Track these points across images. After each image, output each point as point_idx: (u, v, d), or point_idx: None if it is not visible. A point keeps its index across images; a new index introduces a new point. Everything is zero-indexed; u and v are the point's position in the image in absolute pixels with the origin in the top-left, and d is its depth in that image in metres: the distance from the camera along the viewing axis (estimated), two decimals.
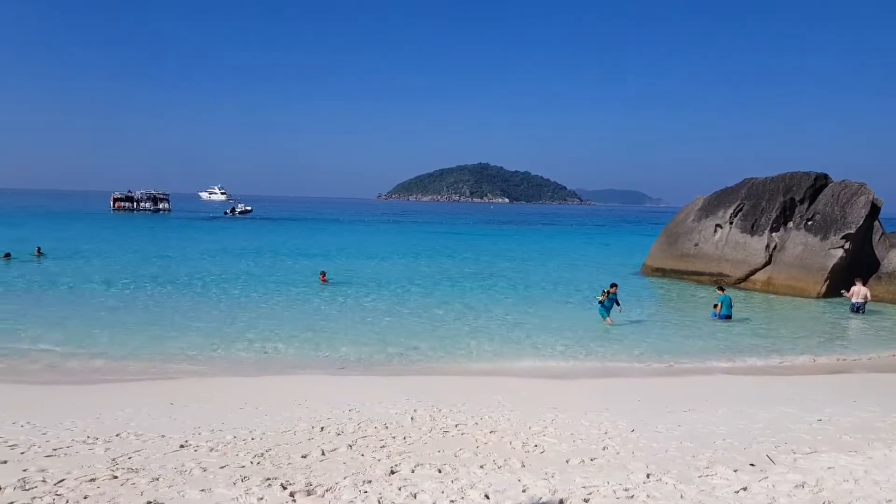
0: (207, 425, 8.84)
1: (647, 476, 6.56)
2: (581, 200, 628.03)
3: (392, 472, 6.69)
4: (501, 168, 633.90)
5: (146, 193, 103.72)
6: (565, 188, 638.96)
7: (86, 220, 76.72)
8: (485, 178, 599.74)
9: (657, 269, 31.87)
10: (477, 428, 8.87)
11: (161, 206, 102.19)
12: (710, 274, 29.18)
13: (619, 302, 19.71)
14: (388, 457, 7.42)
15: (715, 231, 30.22)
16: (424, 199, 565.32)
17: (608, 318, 19.31)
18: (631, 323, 19.47)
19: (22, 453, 7.31)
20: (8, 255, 31.45)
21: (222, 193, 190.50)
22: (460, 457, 7.42)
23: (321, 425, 8.92)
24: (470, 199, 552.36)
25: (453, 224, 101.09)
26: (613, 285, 19.84)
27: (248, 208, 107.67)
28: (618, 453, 7.58)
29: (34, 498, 5.76)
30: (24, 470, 6.65)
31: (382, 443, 8.05)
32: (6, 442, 7.84)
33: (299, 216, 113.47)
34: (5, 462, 6.99)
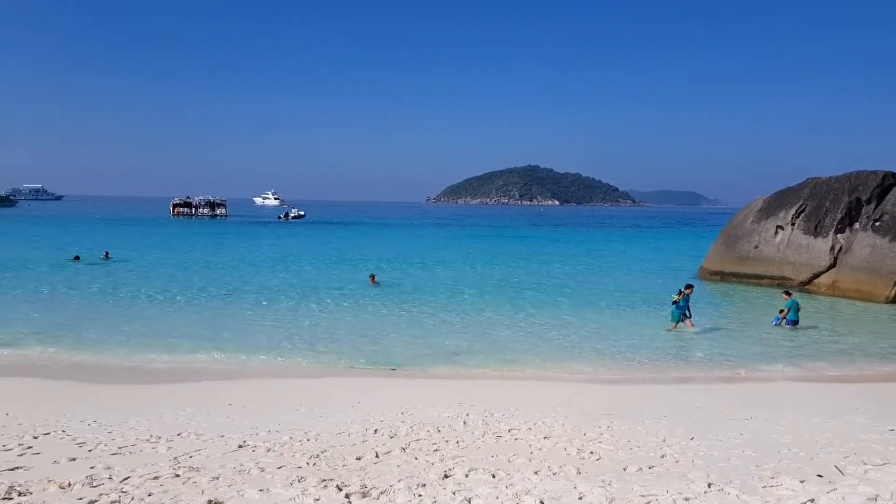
0: (264, 426, 9.01)
1: (709, 485, 6.37)
2: (634, 202, 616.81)
3: (446, 477, 6.67)
4: (551, 170, 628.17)
5: (204, 199, 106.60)
6: (617, 189, 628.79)
7: (147, 225, 79.35)
8: (534, 181, 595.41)
9: (715, 273, 31.05)
10: (531, 433, 8.78)
11: (218, 211, 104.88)
12: (771, 277, 28.27)
13: (690, 311, 18.72)
14: (442, 461, 7.40)
15: (776, 233, 29.26)
16: (473, 202, 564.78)
17: (674, 324, 18.46)
18: (688, 328, 19.01)
19: (90, 451, 7.57)
20: (77, 257, 32.99)
21: (275, 198, 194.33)
22: (514, 462, 7.35)
23: (374, 428, 8.97)
24: (519, 202, 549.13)
25: (502, 226, 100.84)
26: (689, 286, 18.91)
27: (301, 213, 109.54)
28: (677, 461, 7.39)
29: (101, 494, 5.95)
30: (92, 467, 6.89)
31: (435, 446, 8.04)
32: (74, 440, 8.14)
33: (350, 220, 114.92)
34: (74, 459, 7.25)
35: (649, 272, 35.82)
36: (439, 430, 8.84)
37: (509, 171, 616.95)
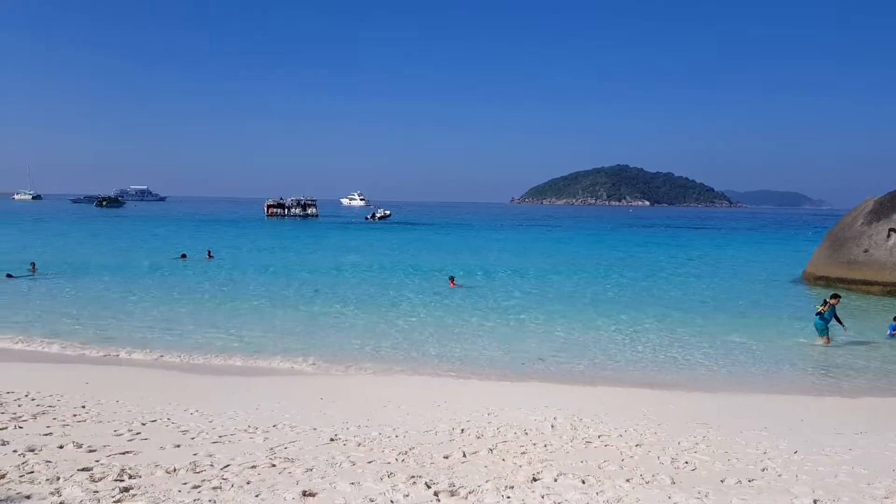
0: (354, 421, 9.21)
1: (815, 502, 6.01)
2: (731, 203, 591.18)
3: (534, 480, 6.60)
4: (641, 169, 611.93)
5: (296, 200, 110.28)
6: (712, 190, 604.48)
7: (244, 225, 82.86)
8: (623, 180, 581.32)
9: (820, 278, 29.32)
10: (621, 440, 8.57)
11: (309, 211, 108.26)
12: (883, 283, 26.40)
13: (841, 319, 17.22)
14: (530, 463, 7.33)
15: (889, 236, 27.31)
16: (558, 202, 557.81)
17: (825, 337, 16.89)
18: (793, 335, 18.03)
19: (192, 438, 7.98)
20: (184, 255, 35.18)
21: (361, 199, 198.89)
22: (605, 469, 7.18)
23: (461, 427, 9.00)
24: (607, 203, 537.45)
25: (588, 227, 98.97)
26: (835, 296, 17.35)
27: (388, 213, 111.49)
28: (779, 475, 7.00)
29: (203, 480, 6.25)
30: (195, 454, 7.25)
31: (523, 449, 7.98)
32: (178, 427, 8.60)
33: (433, 221, 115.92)
34: (178, 446, 7.66)
35: (746, 276, 34.20)
36: (526, 433, 8.77)
37: (597, 171, 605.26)
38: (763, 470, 7.22)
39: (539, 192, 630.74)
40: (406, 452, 7.56)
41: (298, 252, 43.47)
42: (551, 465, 7.31)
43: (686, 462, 7.53)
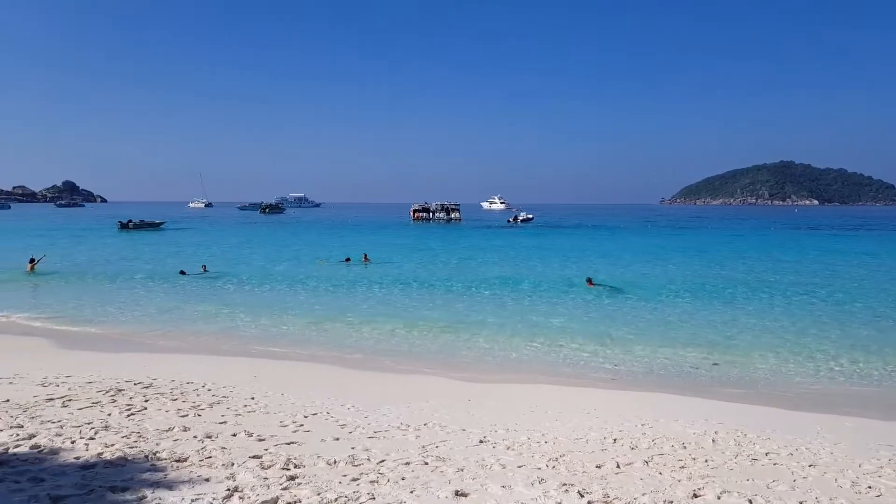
0: (502, 424, 9.20)
1: None
2: None
3: (695, 496, 6.24)
4: (809, 166, 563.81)
5: (440, 204, 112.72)
6: (893, 187, 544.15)
7: (393, 229, 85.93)
8: (788, 178, 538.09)
9: None
10: (792, 459, 7.88)
11: (453, 215, 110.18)
12: None
13: None
14: (690, 479, 6.94)
15: None
16: (714, 202, 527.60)
17: None
18: None
19: (350, 433, 8.35)
20: (348, 259, 37.53)
21: (501, 203, 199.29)
22: (774, 489, 6.64)
23: (613, 437, 8.71)
24: (769, 202, 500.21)
25: (749, 228, 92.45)
26: None
27: (530, 216, 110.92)
28: None
29: (361, 473, 6.51)
30: (353, 448, 7.58)
31: (681, 463, 7.57)
32: (337, 421, 9.04)
33: (578, 223, 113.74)
34: (337, 439, 8.05)
35: None
36: (685, 447, 8.32)
37: (757, 168, 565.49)
38: None
39: (692, 191, 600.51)
40: (557, 459, 7.43)
41: (446, 254, 44.32)
42: (713, 481, 6.88)
43: (869, 487, 6.80)
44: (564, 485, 6.38)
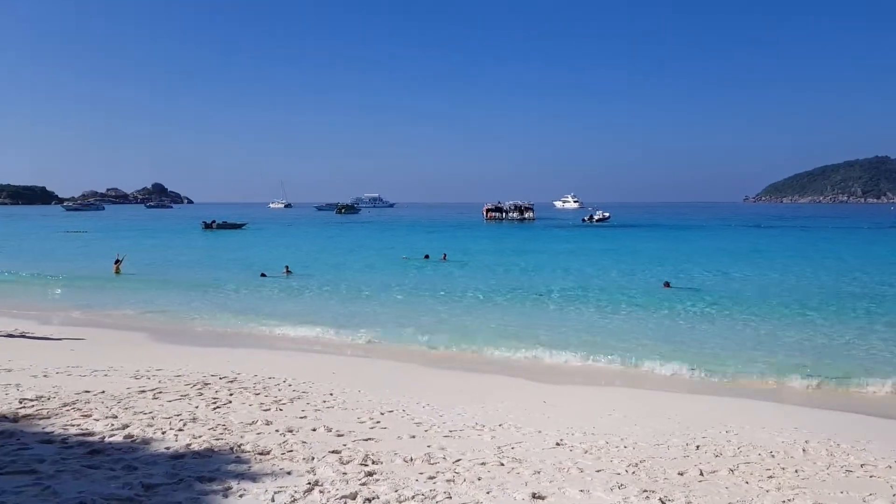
0: (579, 427, 9.05)
1: None
2: None
3: None
4: None
5: (513, 204, 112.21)
6: None
7: (466, 229, 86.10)
8: (883, 174, 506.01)
9: None
10: (891, 472, 7.42)
11: (526, 215, 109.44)
12: None
13: None
14: (779, 489, 6.63)
15: None
16: (802, 200, 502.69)
17: None
18: None
19: (426, 431, 8.41)
20: (427, 255, 38.21)
21: (575, 201, 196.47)
22: None
23: (696, 444, 8.42)
24: (862, 200, 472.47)
25: (844, 228, 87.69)
26: None
27: (606, 215, 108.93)
28: None
29: (438, 472, 6.54)
30: (428, 446, 7.62)
31: (769, 472, 7.24)
32: (413, 419, 9.12)
33: (657, 222, 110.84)
34: (413, 437, 8.12)
35: None
36: (773, 455, 7.95)
37: (849, 164, 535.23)
38: None
39: (778, 189, 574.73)
40: (636, 465, 7.24)
41: (519, 254, 44.06)
42: (804, 492, 6.56)
43: None
44: (645, 491, 6.21)
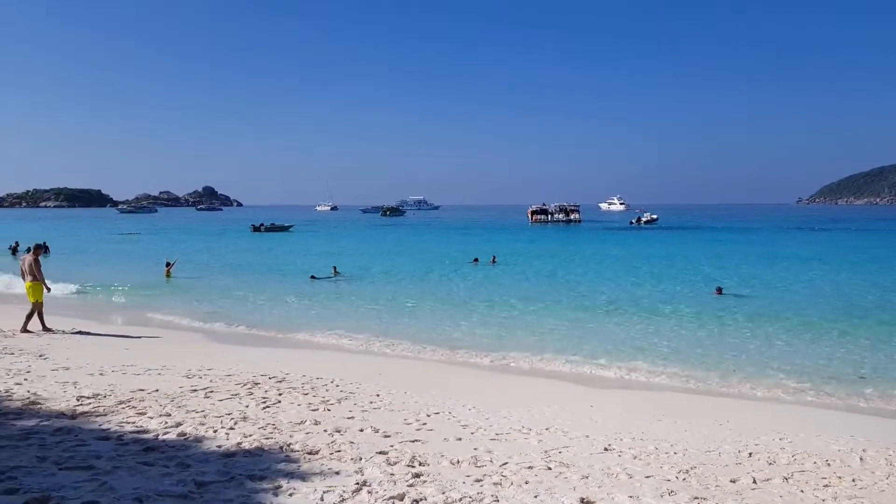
0: (628, 432, 8.92)
1: None
2: None
3: None
4: None
5: (559, 206, 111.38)
6: None
7: (512, 231, 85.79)
8: None
9: None
10: None
11: (572, 216, 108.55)
12: None
13: None
14: (835, 499, 6.43)
15: None
16: (857, 202, 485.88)
17: None
18: None
19: (472, 433, 8.41)
20: (476, 259, 38.37)
21: (621, 204, 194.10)
22: None
23: (749, 451, 8.21)
24: None
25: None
26: None
27: (654, 217, 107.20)
28: None
29: (485, 475, 6.53)
30: (475, 448, 7.62)
31: (825, 481, 7.02)
32: (459, 421, 9.13)
33: (707, 224, 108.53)
34: (459, 439, 8.13)
35: None
36: (829, 464, 7.70)
37: None
38: None
39: (833, 190, 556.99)
40: (687, 471, 7.10)
41: (569, 259, 43.69)
42: (862, 502, 6.34)
43: None
44: (696, 498, 6.09)
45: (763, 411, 11.02)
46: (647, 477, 6.76)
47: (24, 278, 16.94)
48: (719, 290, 25.66)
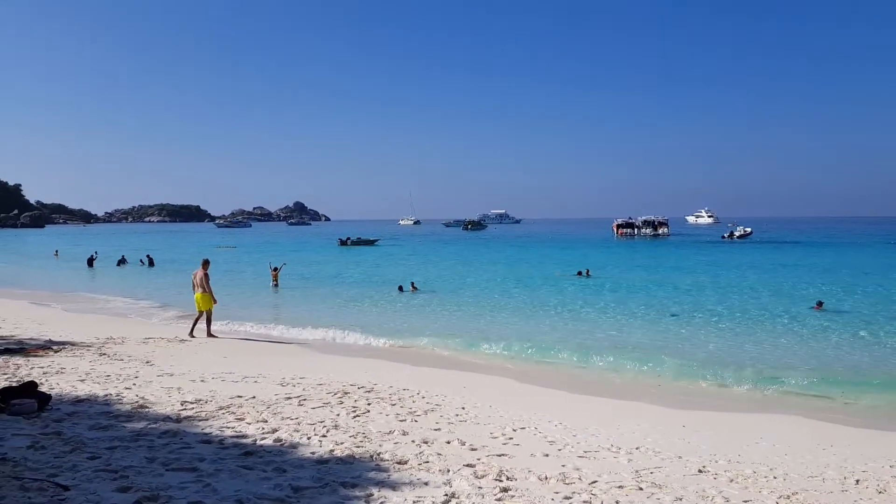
0: (723, 454, 8.59)
1: None
2: None
3: None
4: None
5: (645, 219, 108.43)
6: None
7: (599, 245, 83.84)
8: None
9: None
10: None
11: (660, 231, 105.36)
12: None
13: None
14: None
15: None
16: None
17: None
18: None
19: (559, 450, 8.32)
20: (580, 272, 38.42)
21: (709, 217, 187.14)
22: None
23: (856, 477, 7.74)
24: None
25: None
26: None
27: (748, 230, 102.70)
28: None
29: (574, 493, 6.45)
30: (563, 465, 7.54)
31: None
32: (545, 437, 9.05)
33: (807, 239, 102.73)
34: (546, 455, 8.06)
35: None
36: None
37: None
38: None
39: None
40: (788, 497, 6.77)
41: (663, 270, 42.49)
42: None
43: None
44: None
45: (869, 436, 10.34)
46: (745, 501, 6.51)
47: (194, 290, 19.00)
48: (819, 305, 24.38)
